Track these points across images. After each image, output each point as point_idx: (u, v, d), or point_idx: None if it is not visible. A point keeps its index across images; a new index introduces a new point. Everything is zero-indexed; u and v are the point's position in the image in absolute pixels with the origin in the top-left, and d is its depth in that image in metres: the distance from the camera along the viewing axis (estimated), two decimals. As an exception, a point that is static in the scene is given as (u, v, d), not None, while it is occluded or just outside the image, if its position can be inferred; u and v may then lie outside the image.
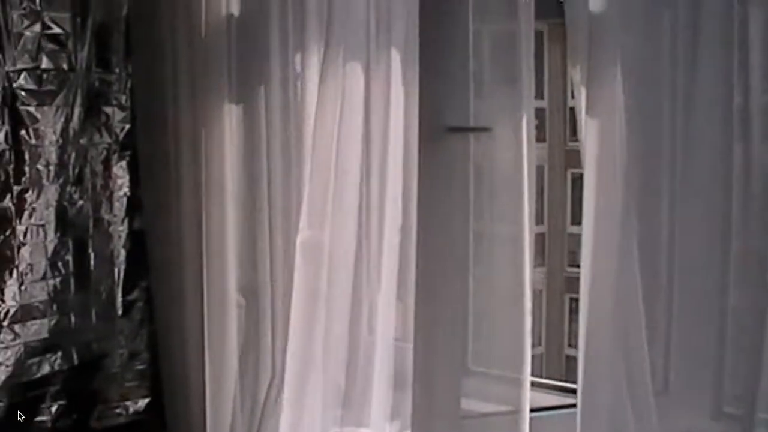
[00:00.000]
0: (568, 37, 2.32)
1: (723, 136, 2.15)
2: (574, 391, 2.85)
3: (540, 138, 11.64)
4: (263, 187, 2.94)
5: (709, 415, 2.26)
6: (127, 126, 3.32)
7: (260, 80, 2.91)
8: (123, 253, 3.33)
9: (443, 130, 2.43)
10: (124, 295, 3.34)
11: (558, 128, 11.63)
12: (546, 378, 3.78)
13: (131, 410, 3.37)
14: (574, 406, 2.53)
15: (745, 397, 2.16)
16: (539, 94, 11.77)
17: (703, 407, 2.24)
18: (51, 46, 3.10)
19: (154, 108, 3.23)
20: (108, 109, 3.28)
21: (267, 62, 2.87)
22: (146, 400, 3.39)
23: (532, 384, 3.06)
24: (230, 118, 3.03)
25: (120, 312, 3.34)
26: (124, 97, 3.31)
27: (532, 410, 2.69)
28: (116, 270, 3.32)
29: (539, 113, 11.87)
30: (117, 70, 3.29)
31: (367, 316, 2.77)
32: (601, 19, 2.23)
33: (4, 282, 3.02)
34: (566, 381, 3.24)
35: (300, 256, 2.74)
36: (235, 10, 3.00)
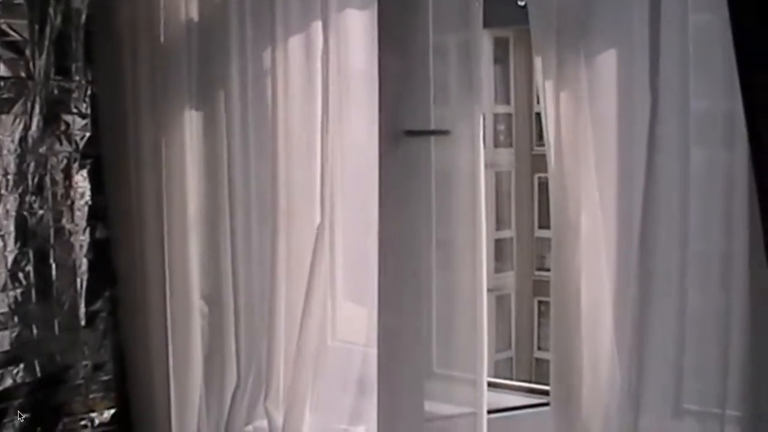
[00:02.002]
0: (531, 28, 2.32)
1: (683, 137, 2.15)
2: (543, 392, 2.88)
3: (507, 143, 11.72)
4: (225, 193, 2.92)
5: (671, 413, 2.28)
6: (88, 134, 3.28)
7: (221, 84, 2.89)
8: (85, 262, 3.30)
9: (402, 133, 2.43)
10: (87, 306, 3.30)
11: (524, 134, 11.72)
12: (516, 380, 3.81)
13: (97, 422, 3.33)
14: (545, 405, 2.54)
15: (704, 395, 2.18)
16: (505, 100, 11.86)
17: (665, 406, 2.25)
18: (8, 53, 3.06)
19: (116, 115, 3.20)
20: (68, 117, 3.25)
21: (227, 66, 2.86)
22: (111, 411, 3.36)
23: (502, 386, 3.09)
24: (191, 123, 3.02)
25: (83, 323, 3.29)
26: (84, 105, 3.28)
27: (503, 410, 2.71)
28: (79, 280, 3.28)
29: (506, 119, 11.95)
30: (77, 78, 3.26)
31: (331, 321, 2.75)
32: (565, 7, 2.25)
33: (-37, 294, 2.98)
34: (536, 383, 3.26)
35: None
36: (195, 14, 2.98)
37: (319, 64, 2.70)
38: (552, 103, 2.30)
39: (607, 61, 2.27)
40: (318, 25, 2.69)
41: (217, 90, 2.92)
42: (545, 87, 2.31)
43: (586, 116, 2.25)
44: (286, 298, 2.78)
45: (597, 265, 2.27)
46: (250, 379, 2.91)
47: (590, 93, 2.25)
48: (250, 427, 2.96)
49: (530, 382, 3.45)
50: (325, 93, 2.66)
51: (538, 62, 2.33)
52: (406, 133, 2.45)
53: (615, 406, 2.25)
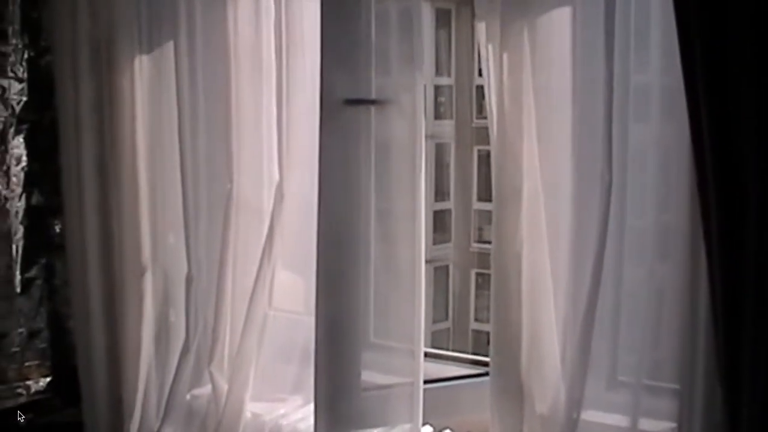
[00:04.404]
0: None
1: (621, 111, 2.17)
2: (480, 363, 2.90)
3: (447, 115, 11.73)
4: (176, 158, 2.89)
5: (606, 385, 2.32)
6: (25, 99, 3.23)
7: (170, 35, 2.87)
8: (21, 229, 3.25)
9: (342, 102, 2.42)
10: (22, 273, 3.26)
11: (465, 106, 11.73)
12: (453, 351, 3.83)
13: (32, 390, 3.30)
14: (483, 375, 2.57)
15: (639, 367, 2.22)
16: (446, 72, 11.85)
17: (600, 377, 2.28)
18: (-58, 16, 3.01)
19: (63, 78, 3.14)
20: (4, 82, 3.19)
21: (176, 14, 2.84)
22: (47, 379, 3.33)
23: (440, 356, 3.11)
24: (141, 79, 2.97)
25: (18, 290, 3.26)
26: (21, 69, 3.23)
27: (440, 380, 2.73)
28: (14, 247, 3.24)
29: (446, 91, 11.95)
30: (13, 42, 3.20)
31: (269, 289, 2.75)
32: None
33: None
34: (473, 354, 3.29)
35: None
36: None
37: (265, 25, 2.70)
38: (494, 68, 2.30)
39: (552, 28, 2.28)
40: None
41: (166, 40, 2.89)
42: (488, 52, 2.31)
43: (529, 83, 2.25)
44: (235, 263, 2.78)
45: (538, 236, 2.28)
46: (196, 343, 2.90)
47: (533, 59, 2.25)
48: (188, 396, 2.95)
49: (467, 353, 3.49)
50: (279, 56, 2.65)
51: (481, 27, 2.33)
52: (345, 102, 2.45)
53: (553, 377, 2.28)
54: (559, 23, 2.27)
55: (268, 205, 2.72)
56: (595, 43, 2.14)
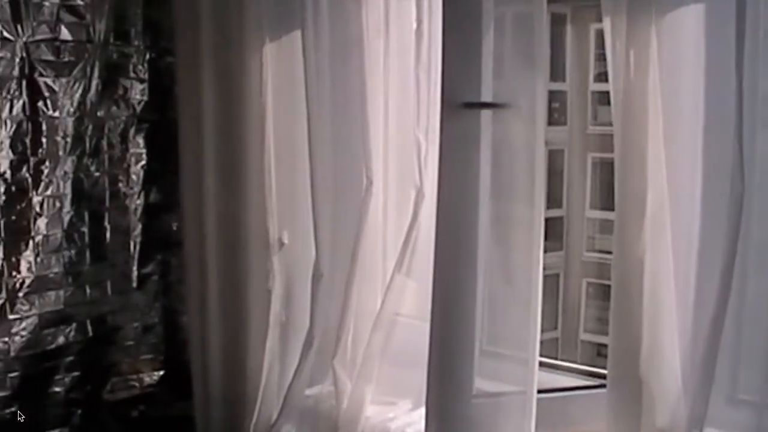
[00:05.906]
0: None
1: (749, 118, 2.08)
2: (593, 375, 2.83)
3: (560, 121, 11.57)
4: (305, 153, 2.84)
5: (725, 400, 2.23)
6: (146, 99, 3.30)
7: (298, 31, 2.82)
8: (139, 226, 3.32)
9: (461, 105, 2.39)
10: (139, 268, 3.33)
11: (579, 112, 11.53)
12: (561, 361, 3.76)
13: (145, 383, 3.37)
14: (597, 387, 2.51)
15: (760, 385, 2.13)
16: (560, 77, 11.70)
17: (719, 393, 2.19)
18: (69, 17, 3.08)
19: (184, 79, 3.17)
20: (126, 82, 3.26)
21: (304, 10, 2.78)
22: (160, 373, 3.39)
23: (551, 366, 3.04)
24: (267, 68, 2.93)
25: (135, 285, 3.33)
26: (142, 70, 3.29)
27: (553, 390, 2.67)
28: (132, 243, 3.31)
29: (560, 96, 11.79)
30: (136, 43, 3.27)
31: (385, 293, 2.73)
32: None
33: (20, 253, 3.00)
34: (582, 364, 3.22)
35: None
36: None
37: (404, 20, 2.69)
38: (620, 67, 2.23)
39: (682, 24, 2.20)
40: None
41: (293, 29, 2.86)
42: (614, 49, 2.24)
43: (656, 83, 2.17)
44: (364, 262, 2.76)
45: (662, 244, 2.21)
46: (318, 341, 2.86)
47: (661, 57, 2.17)
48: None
49: (576, 363, 3.43)
50: (417, 53, 2.62)
51: (606, 23, 2.25)
52: (464, 105, 2.41)
53: (673, 391, 2.21)
54: (688, 19, 2.19)
55: (405, 205, 2.69)
56: (726, 42, 2.04)
